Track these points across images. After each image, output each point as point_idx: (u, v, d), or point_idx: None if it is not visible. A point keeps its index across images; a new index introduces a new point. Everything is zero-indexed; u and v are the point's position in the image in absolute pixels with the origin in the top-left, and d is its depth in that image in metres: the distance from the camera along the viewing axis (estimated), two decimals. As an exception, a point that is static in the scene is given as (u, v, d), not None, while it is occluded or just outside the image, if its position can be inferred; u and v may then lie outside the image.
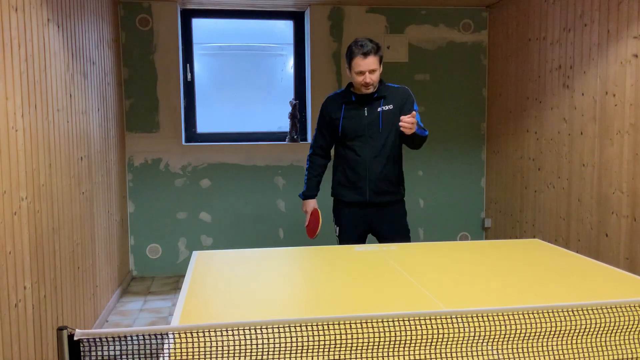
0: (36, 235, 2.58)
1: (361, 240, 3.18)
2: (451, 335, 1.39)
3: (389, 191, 3.11)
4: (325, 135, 3.20)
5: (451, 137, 5.21)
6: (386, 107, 3.05)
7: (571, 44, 3.87)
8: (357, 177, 3.08)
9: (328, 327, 1.30)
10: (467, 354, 1.34)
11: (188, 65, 5.01)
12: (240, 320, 1.37)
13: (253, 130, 5.19)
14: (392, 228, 3.13)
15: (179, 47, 4.85)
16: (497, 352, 1.36)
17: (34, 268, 2.54)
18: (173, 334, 1.32)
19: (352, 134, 3.06)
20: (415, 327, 1.32)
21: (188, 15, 5.01)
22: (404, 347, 1.31)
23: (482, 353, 1.35)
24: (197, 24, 5.08)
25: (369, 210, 3.12)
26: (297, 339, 1.29)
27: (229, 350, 1.24)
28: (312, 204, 3.25)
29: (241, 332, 1.25)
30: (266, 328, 1.25)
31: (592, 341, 1.37)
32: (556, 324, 1.37)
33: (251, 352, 1.25)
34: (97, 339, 1.19)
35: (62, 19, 3.06)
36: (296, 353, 1.27)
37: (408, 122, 2.82)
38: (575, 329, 1.36)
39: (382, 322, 1.31)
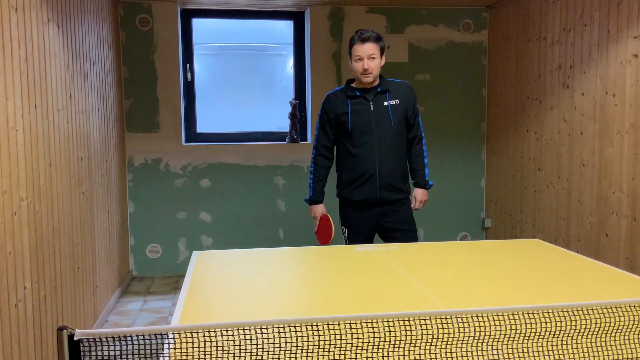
0: (36, 235, 2.58)
1: (369, 240, 3.16)
2: (451, 335, 1.39)
3: (399, 187, 3.10)
4: (329, 133, 3.15)
5: (451, 137, 5.21)
6: (393, 102, 3.04)
7: (571, 44, 3.87)
8: (366, 174, 3.04)
9: (328, 327, 1.29)
10: (467, 354, 1.34)
11: (188, 65, 5.01)
12: (240, 320, 1.37)
13: (253, 130, 5.19)
14: (402, 226, 3.12)
15: (179, 47, 4.85)
16: (497, 352, 1.36)
17: (34, 268, 2.54)
18: (173, 334, 1.32)
19: (360, 129, 3.03)
20: (415, 327, 1.32)
21: (188, 15, 5.01)
22: (404, 347, 1.31)
23: (482, 353, 1.35)
24: (197, 24, 5.08)
25: (378, 208, 3.10)
26: (297, 339, 1.29)
27: (229, 350, 1.24)
28: (320, 208, 3.22)
29: (241, 332, 1.25)
30: (266, 328, 1.25)
31: (592, 341, 1.37)
32: (556, 324, 1.37)
33: (251, 352, 1.25)
34: (97, 339, 1.19)
35: (62, 19, 3.06)
36: (296, 353, 1.27)
37: (422, 205, 3.20)
38: (575, 329, 1.36)
39: (382, 322, 1.31)
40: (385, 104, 3.03)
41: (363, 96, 3.04)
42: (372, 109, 3.03)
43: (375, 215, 3.11)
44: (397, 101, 3.05)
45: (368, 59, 2.94)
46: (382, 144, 3.01)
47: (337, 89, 3.19)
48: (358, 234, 3.12)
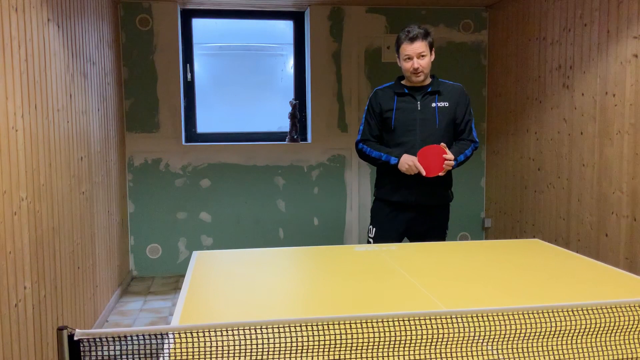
0: (36, 235, 2.58)
1: (397, 242, 3.03)
2: (451, 335, 1.39)
3: (439, 193, 3.00)
4: (374, 128, 3.01)
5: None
6: (441, 104, 2.93)
7: (571, 44, 3.87)
8: (406, 176, 2.90)
9: (328, 327, 1.30)
10: (467, 354, 1.34)
11: (188, 65, 5.01)
12: (240, 320, 1.37)
13: (253, 130, 5.19)
14: (433, 233, 3.01)
15: (179, 47, 4.85)
16: (497, 352, 1.36)
17: (34, 268, 2.54)
18: (173, 334, 1.32)
19: (403, 127, 2.93)
20: (415, 327, 1.32)
21: (188, 15, 5.01)
22: (404, 347, 1.31)
23: (482, 353, 1.35)
24: (197, 24, 5.08)
25: (412, 213, 2.99)
26: (297, 339, 1.29)
27: (229, 350, 1.24)
28: (407, 156, 2.89)
29: (241, 332, 1.25)
30: (266, 328, 1.25)
31: (592, 341, 1.37)
32: (556, 324, 1.37)
33: (251, 352, 1.25)
34: (97, 339, 1.19)
35: (62, 19, 3.06)
36: (296, 353, 1.27)
37: (450, 163, 2.83)
38: (575, 329, 1.36)
39: (382, 322, 1.31)
40: (434, 105, 2.93)
41: (411, 94, 2.94)
42: (418, 108, 2.92)
43: (408, 218, 3.01)
44: (446, 103, 2.94)
45: (418, 58, 2.85)
46: (425, 146, 2.88)
47: (386, 84, 3.08)
48: (385, 236, 3.01)
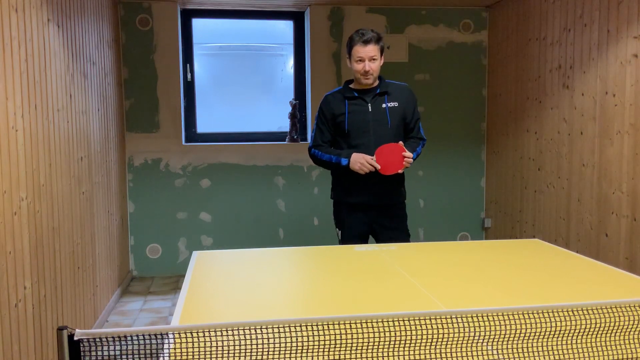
0: (36, 235, 2.58)
1: (363, 242, 3.13)
2: (451, 335, 1.39)
3: (394, 192, 3.07)
4: (326, 134, 3.09)
5: (451, 137, 5.21)
6: (391, 104, 3.01)
7: (571, 44, 3.87)
8: (362, 177, 2.96)
9: (328, 327, 1.29)
10: (467, 354, 1.34)
11: (188, 65, 5.01)
12: (240, 320, 1.37)
13: (253, 130, 5.19)
14: (394, 233, 3.07)
15: (179, 47, 4.85)
16: (497, 352, 1.36)
17: (34, 268, 2.54)
18: (173, 334, 1.32)
19: (357, 130, 2.99)
20: (415, 327, 1.32)
21: (188, 15, 5.01)
22: (404, 347, 1.31)
23: (482, 353, 1.35)
24: (197, 24, 5.08)
25: (372, 212, 3.06)
26: (297, 339, 1.29)
27: (229, 350, 1.24)
28: (358, 155, 2.92)
29: (241, 332, 1.25)
30: (266, 328, 1.25)
31: (592, 341, 1.37)
32: (556, 324, 1.37)
33: (251, 352, 1.25)
34: (97, 339, 1.19)
35: (62, 19, 3.06)
36: (296, 353, 1.27)
37: (409, 161, 2.90)
38: (575, 329, 1.36)
39: (382, 322, 1.31)
40: (384, 106, 3.00)
41: (361, 97, 3.02)
42: (370, 110, 2.99)
43: (370, 218, 3.07)
44: (395, 104, 3.02)
45: (369, 61, 2.91)
46: (379, 146, 2.95)
47: (335, 89, 3.15)
48: (352, 237, 3.08)
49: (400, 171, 2.93)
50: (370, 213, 3.07)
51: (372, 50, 2.91)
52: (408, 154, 2.90)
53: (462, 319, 1.50)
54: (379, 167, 2.88)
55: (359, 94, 3.03)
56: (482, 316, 1.39)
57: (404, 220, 3.16)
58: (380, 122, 2.99)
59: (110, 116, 4.18)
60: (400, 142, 2.92)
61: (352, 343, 1.31)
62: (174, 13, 4.77)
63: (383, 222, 3.08)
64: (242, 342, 1.25)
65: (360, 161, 2.90)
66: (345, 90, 3.08)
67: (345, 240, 3.12)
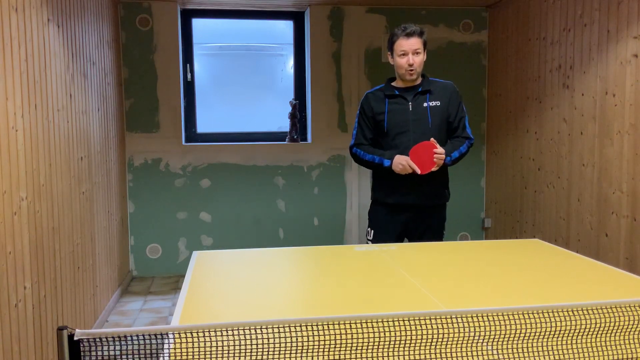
0: (36, 235, 2.58)
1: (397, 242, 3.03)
2: (451, 335, 1.39)
3: (435, 193, 2.99)
4: (367, 132, 3.00)
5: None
6: (433, 103, 2.93)
7: (571, 44, 3.87)
8: (402, 177, 2.89)
9: (328, 327, 1.29)
10: (467, 354, 1.34)
11: (188, 65, 5.01)
12: (240, 320, 1.37)
13: (253, 130, 5.19)
14: (430, 234, 3.00)
15: (179, 47, 4.85)
16: (497, 352, 1.36)
17: (34, 268, 2.54)
18: (173, 334, 1.32)
19: (397, 129, 2.91)
20: (415, 327, 1.32)
21: (188, 15, 5.01)
22: (404, 347, 1.31)
23: (482, 353, 1.35)
24: (197, 24, 5.08)
25: (409, 213, 2.98)
26: (297, 339, 1.29)
27: (229, 350, 1.24)
28: (400, 156, 2.88)
29: (241, 332, 1.25)
30: (266, 328, 1.25)
31: (592, 341, 1.37)
32: (556, 324, 1.37)
33: (251, 352, 1.25)
34: (97, 339, 1.19)
35: (62, 19, 3.06)
36: (296, 353, 1.27)
37: (440, 157, 2.81)
38: (575, 329, 1.36)
39: (382, 322, 1.31)
40: (425, 104, 2.91)
41: (402, 96, 2.93)
42: (410, 109, 2.91)
43: (405, 220, 2.99)
44: (438, 102, 2.93)
45: (413, 54, 2.84)
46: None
47: (376, 87, 3.07)
48: (383, 239, 3.00)
49: (434, 169, 2.83)
50: (408, 214, 2.98)
51: (415, 42, 2.84)
52: (440, 150, 2.82)
53: (462, 319, 1.50)
54: (418, 170, 2.82)
55: (400, 92, 2.95)
56: (482, 316, 1.39)
57: (442, 222, 3.07)
58: (421, 121, 2.91)
59: (110, 116, 4.18)
60: (432, 139, 2.84)
61: (352, 343, 1.31)
62: (174, 13, 4.77)
63: (422, 223, 3.00)
64: (242, 342, 1.25)
65: (402, 163, 2.85)
66: (386, 88, 2.99)
67: (376, 240, 3.03)
